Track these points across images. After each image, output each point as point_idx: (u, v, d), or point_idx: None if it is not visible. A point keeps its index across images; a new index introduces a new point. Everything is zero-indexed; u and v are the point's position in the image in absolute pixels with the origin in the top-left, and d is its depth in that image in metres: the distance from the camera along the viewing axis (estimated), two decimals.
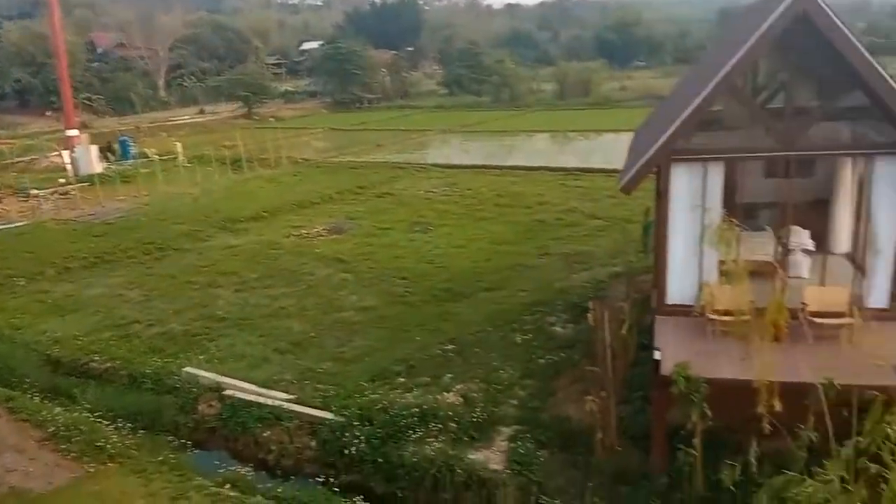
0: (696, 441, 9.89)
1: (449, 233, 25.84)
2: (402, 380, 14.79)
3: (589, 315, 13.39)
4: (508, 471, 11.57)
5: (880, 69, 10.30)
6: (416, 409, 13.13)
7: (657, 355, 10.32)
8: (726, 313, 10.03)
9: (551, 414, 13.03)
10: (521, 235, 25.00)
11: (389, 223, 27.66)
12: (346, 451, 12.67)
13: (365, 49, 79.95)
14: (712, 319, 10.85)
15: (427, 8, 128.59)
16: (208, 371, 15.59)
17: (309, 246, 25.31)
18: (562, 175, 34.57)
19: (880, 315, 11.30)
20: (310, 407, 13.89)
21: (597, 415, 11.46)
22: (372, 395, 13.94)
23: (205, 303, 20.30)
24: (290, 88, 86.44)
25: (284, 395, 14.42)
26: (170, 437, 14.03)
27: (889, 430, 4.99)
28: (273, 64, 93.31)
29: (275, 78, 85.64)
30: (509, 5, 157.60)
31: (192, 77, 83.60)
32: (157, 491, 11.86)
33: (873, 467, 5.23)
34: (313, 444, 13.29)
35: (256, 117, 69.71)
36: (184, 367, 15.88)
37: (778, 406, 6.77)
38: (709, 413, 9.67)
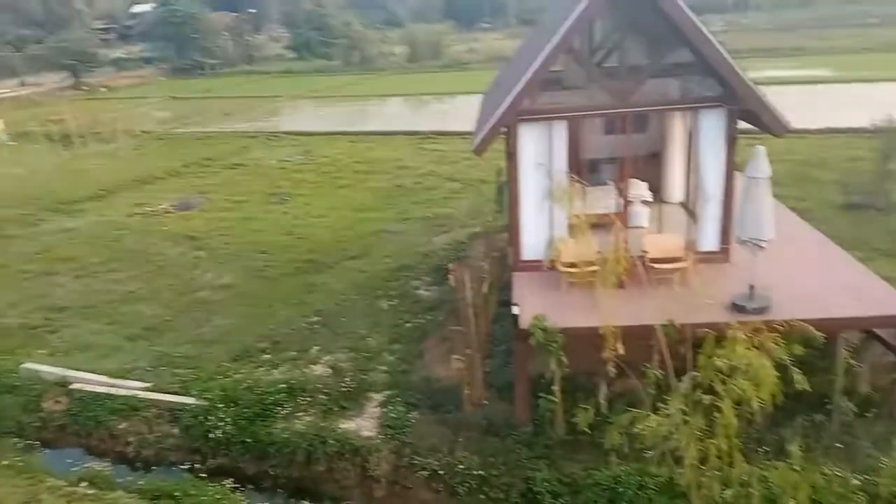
0: (556, 388, 10.45)
1: (308, 202, 25.31)
2: (268, 356, 14.45)
3: (450, 276, 13.69)
4: (381, 436, 11.68)
5: (702, 27, 11.05)
6: (284, 385, 12.91)
7: (515, 310, 10.72)
8: (575, 266, 10.55)
9: (420, 376, 13.24)
10: (382, 201, 24.95)
11: (243, 195, 26.66)
12: (212, 435, 12.27)
13: (203, 11, 75.46)
14: (564, 272, 11.39)
15: None
16: (52, 365, 14.46)
17: (156, 224, 23.91)
18: (419, 139, 34.71)
19: (712, 257, 12.35)
20: (168, 393, 13.28)
21: (463, 372, 11.79)
22: (236, 376, 13.54)
23: (42, 292, 18.73)
24: (122, 55, 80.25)
25: (139, 384, 13.69)
26: (14, 440, 12.99)
27: (720, 363, 5.50)
28: (101, 29, 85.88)
29: (103, 44, 79.04)
30: None
31: (10, 46, 75.44)
32: (4, 497, 10.95)
33: (708, 398, 5.76)
34: (175, 431, 12.76)
35: (86, 88, 64.34)
36: (22, 363, 14.63)
37: (622, 349, 7.23)
38: (565, 361, 10.22)
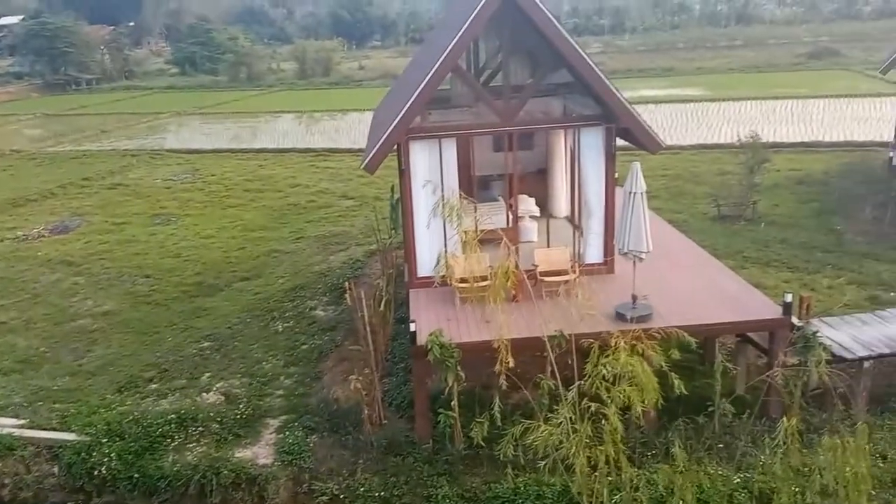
0: (454, 404, 10.56)
1: (195, 223, 24.45)
2: (155, 386, 13.82)
3: (347, 295, 13.58)
4: (279, 463, 11.40)
5: (579, 49, 11.60)
6: (173, 416, 12.37)
7: (412, 327, 10.78)
8: (467, 281, 10.74)
9: (319, 398, 13.04)
10: (275, 220, 24.48)
11: (125, 217, 25.43)
12: (96, 472, 11.58)
13: (77, 24, 71.58)
14: (458, 287, 11.58)
15: None
16: None
17: (29, 249, 22.40)
18: (311, 156, 34.32)
19: (597, 269, 12.89)
20: (47, 430, 12.43)
21: (362, 392, 11.70)
22: (120, 408, 12.86)
23: None
24: None
25: (14, 421, 12.74)
26: None
27: (604, 371, 5.76)
28: None
29: None
30: None
31: None
32: None
33: (594, 406, 6.01)
34: (56, 470, 11.95)
35: None
36: None
37: (514, 362, 7.42)
38: (463, 376, 10.36)
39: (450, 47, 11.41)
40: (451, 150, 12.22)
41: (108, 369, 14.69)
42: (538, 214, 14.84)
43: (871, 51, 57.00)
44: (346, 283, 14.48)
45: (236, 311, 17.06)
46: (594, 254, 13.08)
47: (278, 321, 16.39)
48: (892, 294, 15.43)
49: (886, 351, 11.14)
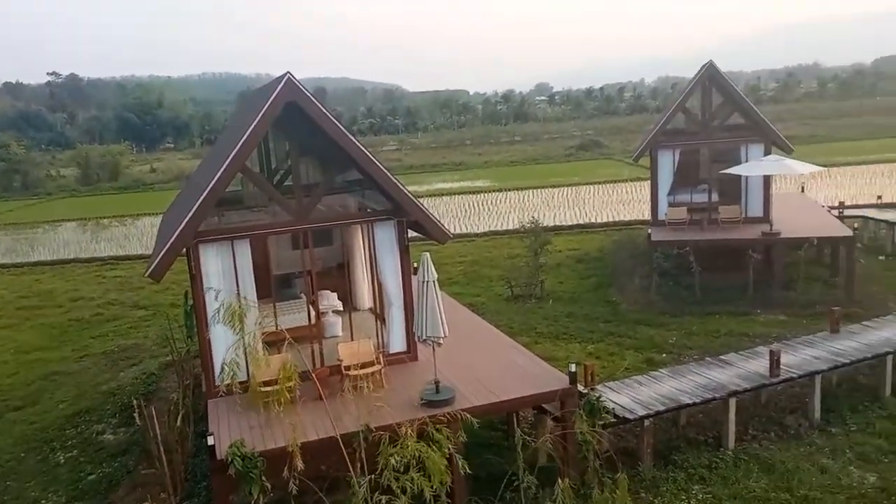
0: None
1: None
2: None
3: (136, 415, 12.53)
4: None
5: (364, 149, 12.11)
6: None
7: (210, 440, 10.14)
8: (270, 383, 10.41)
9: None
10: (55, 339, 22.24)
11: None
12: None
13: None
14: (261, 392, 11.15)
15: None
16: None
17: None
18: (97, 266, 32.02)
19: (402, 358, 13.10)
20: None
21: None
22: None
23: None
24: None
25: None
26: None
27: (392, 460, 5.80)
28: None
29: None
30: (9, 84, 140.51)
31: None
32: None
33: (385, 499, 5.97)
34: None
35: None
36: None
37: (322, 462, 7.23)
38: (268, 486, 9.84)
39: (236, 148, 11.41)
40: (244, 251, 12.01)
41: None
42: (341, 308, 14.90)
43: (628, 141, 65.20)
44: (136, 401, 13.40)
45: (8, 446, 15.03)
46: (398, 343, 13.31)
47: (59, 452, 14.65)
48: (663, 355, 17.22)
49: (662, 408, 12.31)
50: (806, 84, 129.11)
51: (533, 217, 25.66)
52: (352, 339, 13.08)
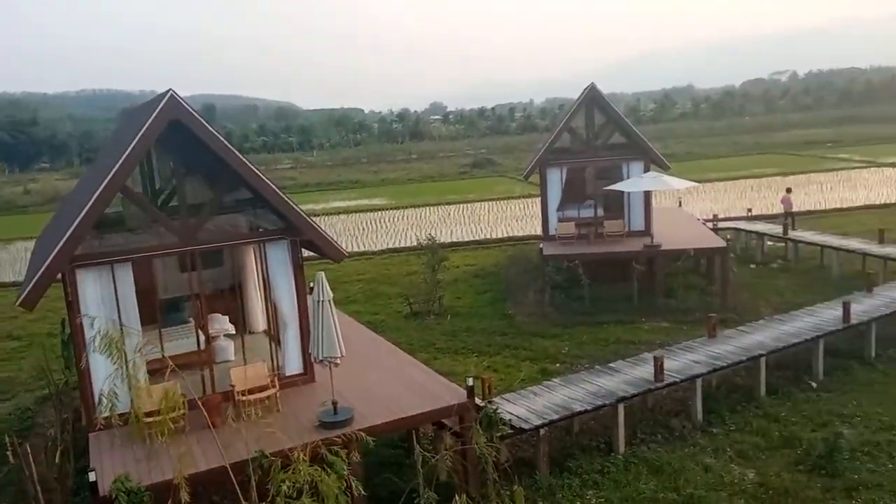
0: None
1: None
2: None
3: (9, 453, 11.62)
4: None
5: (254, 167, 11.85)
6: None
7: (92, 476, 9.56)
8: (154, 413, 9.94)
9: None
10: None
11: None
12: None
13: None
14: (145, 423, 10.61)
15: None
16: None
17: None
18: None
19: (299, 380, 12.84)
20: None
21: None
22: None
23: None
24: None
25: None
26: None
27: (284, 486, 5.67)
28: None
29: None
30: None
31: None
32: None
33: None
34: None
35: None
36: None
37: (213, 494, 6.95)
38: None
39: (116, 167, 10.87)
40: (126, 275, 11.43)
41: None
42: (233, 332, 14.44)
43: (519, 159, 67.05)
44: (9, 438, 12.43)
45: None
46: (294, 365, 13.03)
47: None
48: (557, 365, 17.73)
49: (556, 417, 12.65)
50: (681, 105, 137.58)
51: (430, 234, 25.88)
52: (245, 363, 12.70)
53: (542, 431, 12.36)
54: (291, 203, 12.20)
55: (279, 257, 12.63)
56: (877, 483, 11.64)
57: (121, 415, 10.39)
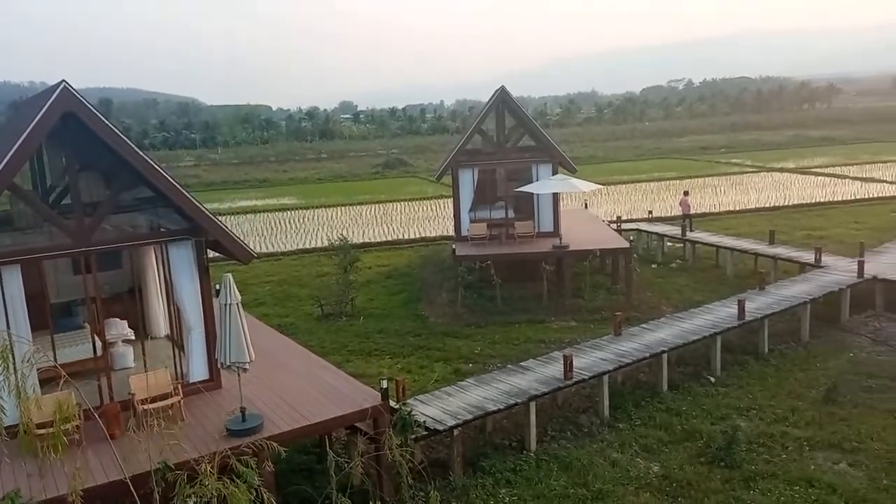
0: None
1: None
2: None
3: None
4: None
5: (155, 164, 11.30)
6: None
7: None
8: (46, 425, 9.30)
9: None
10: None
11: None
12: None
13: None
14: (36, 435, 9.91)
15: None
16: None
17: None
18: None
19: (205, 387, 12.30)
20: None
21: None
22: None
23: None
24: None
25: None
26: None
27: (190, 501, 5.40)
28: None
29: None
30: None
31: None
32: None
33: None
34: None
35: None
36: None
37: None
38: None
39: (3, 163, 10.10)
40: (14, 278, 10.64)
41: None
42: (133, 337, 13.72)
43: (431, 160, 67.37)
44: None
45: None
46: (199, 371, 12.50)
47: None
48: (470, 365, 17.84)
49: (469, 417, 12.70)
50: (586, 110, 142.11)
51: (341, 234, 25.51)
52: (146, 370, 12.08)
53: (456, 432, 12.38)
54: (195, 202, 11.70)
55: (183, 258, 12.08)
56: (772, 473, 12.30)
57: (8, 428, 9.69)
